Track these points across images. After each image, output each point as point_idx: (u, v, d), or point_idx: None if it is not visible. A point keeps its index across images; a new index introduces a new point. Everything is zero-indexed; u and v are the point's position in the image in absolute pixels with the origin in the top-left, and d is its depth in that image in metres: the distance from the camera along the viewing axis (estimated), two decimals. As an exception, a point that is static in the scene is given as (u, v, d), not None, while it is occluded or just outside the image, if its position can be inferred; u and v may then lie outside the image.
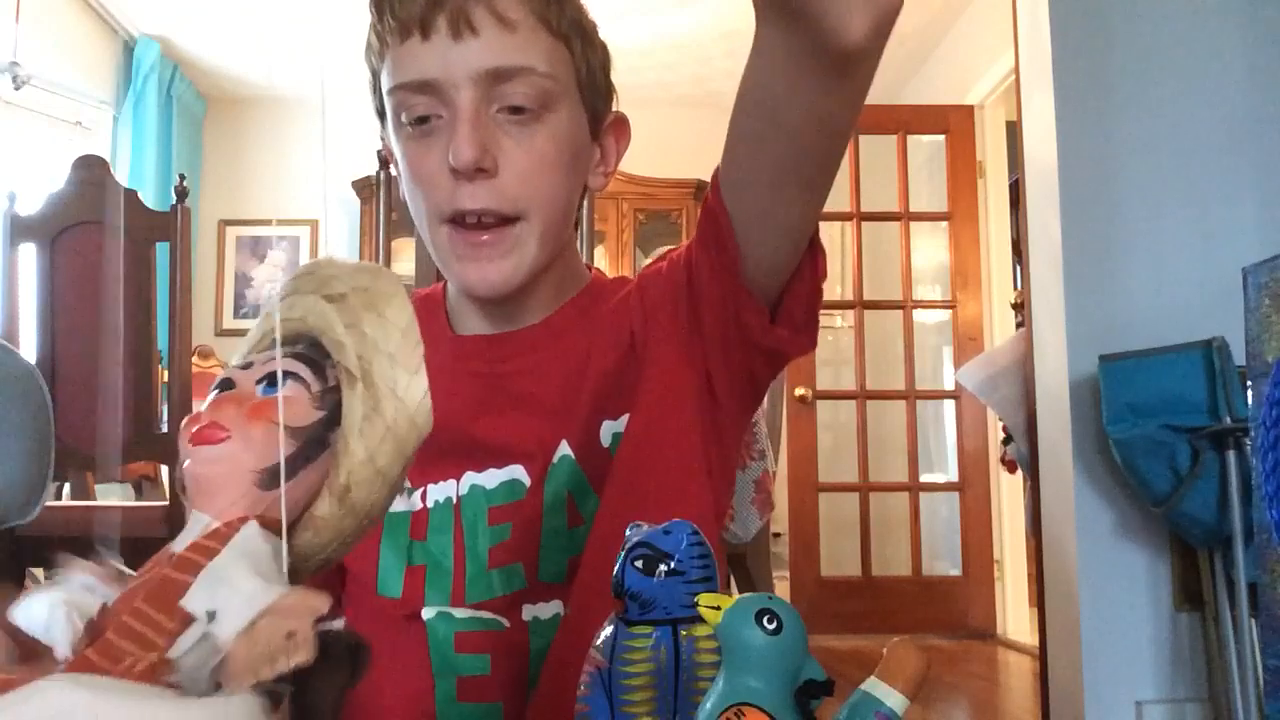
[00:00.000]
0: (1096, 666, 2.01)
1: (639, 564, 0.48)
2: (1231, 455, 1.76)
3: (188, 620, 0.36)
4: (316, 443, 0.40)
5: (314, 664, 0.34)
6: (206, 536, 0.38)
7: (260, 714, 0.34)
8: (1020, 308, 3.46)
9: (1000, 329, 4.01)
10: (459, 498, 0.78)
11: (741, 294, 0.75)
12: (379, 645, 0.76)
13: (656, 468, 0.77)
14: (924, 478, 4.18)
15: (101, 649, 0.36)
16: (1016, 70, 2.36)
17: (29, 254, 2.57)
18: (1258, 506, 1.43)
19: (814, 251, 0.75)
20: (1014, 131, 2.41)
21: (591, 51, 0.80)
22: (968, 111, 4.17)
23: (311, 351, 0.42)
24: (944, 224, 4.16)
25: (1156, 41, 2.15)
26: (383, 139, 0.82)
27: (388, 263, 2.74)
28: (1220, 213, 2.10)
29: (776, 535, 3.94)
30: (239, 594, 0.35)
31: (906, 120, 4.25)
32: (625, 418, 0.78)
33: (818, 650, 0.41)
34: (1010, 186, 4.02)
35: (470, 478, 0.78)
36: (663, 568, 0.47)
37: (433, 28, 0.73)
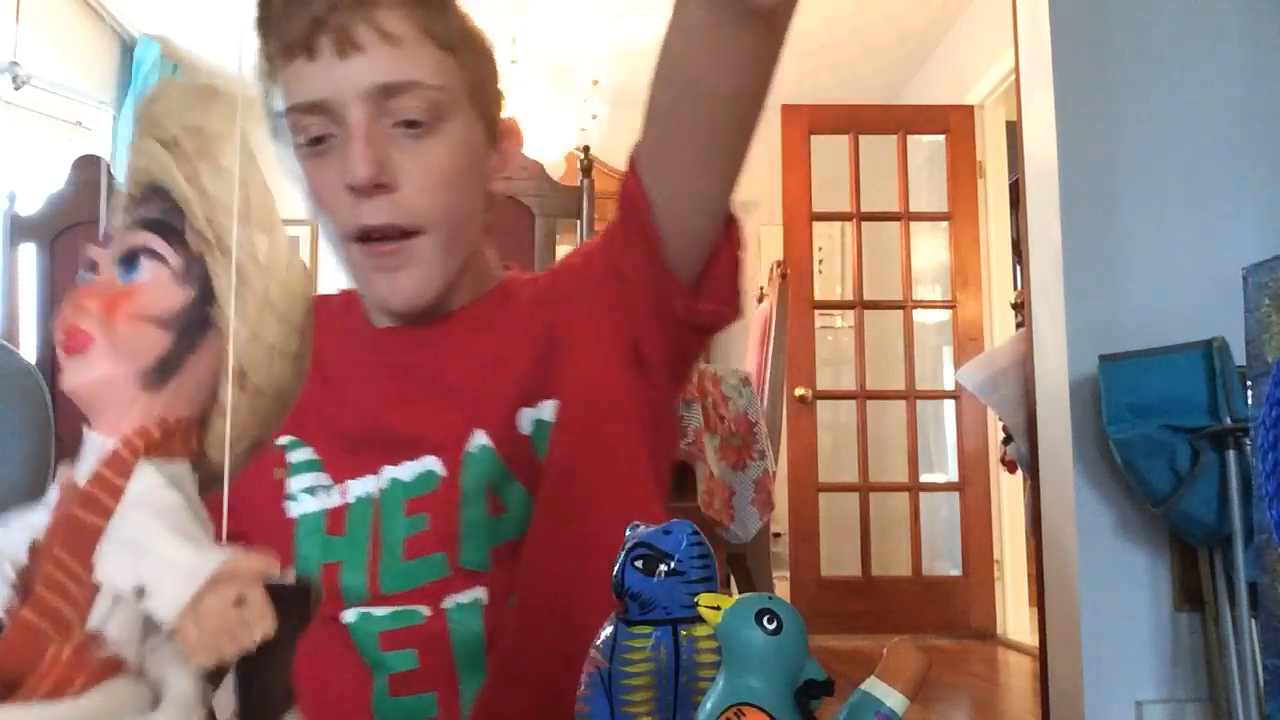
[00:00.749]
0: (1096, 666, 2.01)
1: (639, 564, 0.48)
2: (1231, 455, 1.76)
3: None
4: (197, 325, 0.35)
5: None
6: (106, 465, 0.34)
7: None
8: (1020, 308, 3.46)
9: (1000, 329, 4.01)
10: (380, 492, 0.78)
11: (665, 278, 0.77)
12: (311, 647, 0.76)
13: (593, 452, 0.79)
14: (924, 478, 4.18)
15: (36, 606, 0.33)
16: (1016, 70, 2.36)
17: (29, 254, 2.57)
18: (1258, 506, 1.43)
19: (730, 224, 0.79)
20: (1014, 131, 2.41)
21: (479, 60, 0.80)
22: (968, 111, 4.17)
23: (168, 215, 0.36)
24: (944, 224, 4.16)
25: (1156, 41, 2.15)
26: (280, 161, 0.82)
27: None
28: (1220, 213, 2.10)
29: (776, 535, 3.94)
30: (171, 567, 0.32)
31: (906, 120, 4.25)
32: (547, 404, 0.79)
33: (818, 650, 0.41)
34: (1010, 186, 4.02)
35: (389, 471, 0.78)
36: (662, 568, 0.47)
37: (317, 48, 0.73)
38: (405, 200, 0.75)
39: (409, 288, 0.77)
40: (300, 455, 0.78)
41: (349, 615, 0.76)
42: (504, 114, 0.85)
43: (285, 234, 0.37)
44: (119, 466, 0.34)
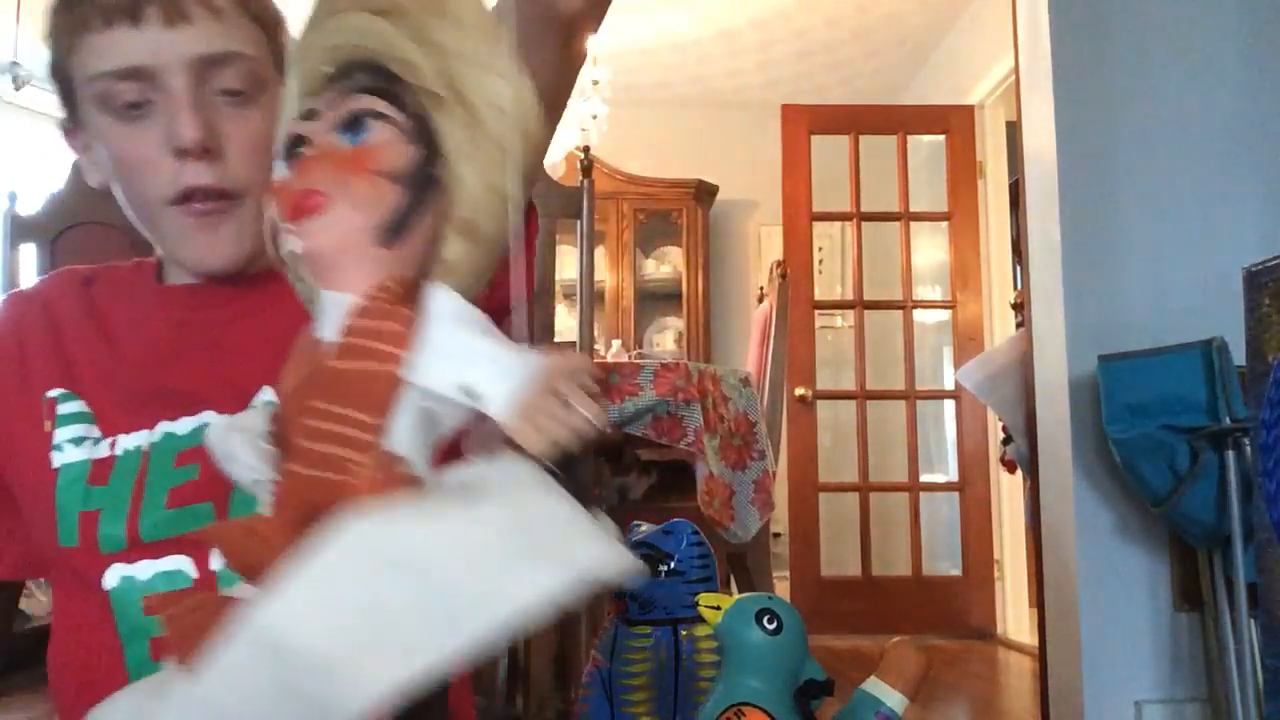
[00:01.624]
0: (1096, 666, 2.01)
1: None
2: (1231, 455, 1.76)
3: (388, 410, 0.33)
4: (424, 182, 0.35)
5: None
6: (361, 315, 0.34)
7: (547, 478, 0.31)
8: (1020, 308, 3.45)
9: (1000, 329, 4.01)
10: (150, 445, 0.77)
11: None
12: (71, 608, 0.76)
13: None
14: (924, 478, 4.18)
15: (304, 459, 0.33)
16: (1016, 70, 2.36)
17: (29, 254, 2.57)
18: (1257, 506, 1.43)
19: (530, 212, 0.83)
20: (1014, 131, 2.41)
21: (286, 36, 0.83)
22: (968, 111, 4.17)
23: (380, 80, 0.36)
24: (944, 224, 4.17)
25: (1156, 42, 2.15)
26: (64, 126, 0.83)
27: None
28: (1220, 213, 2.10)
29: (776, 535, 3.94)
30: (498, 365, 0.32)
31: (906, 120, 4.25)
32: None
33: (818, 650, 0.41)
34: (1010, 186, 4.02)
35: (164, 426, 0.78)
36: (662, 568, 0.47)
37: (143, 15, 0.74)
38: (228, 165, 0.77)
39: (227, 248, 0.79)
40: (70, 407, 0.78)
41: (110, 578, 0.74)
42: None
43: (527, 80, 0.37)
44: (377, 312, 0.34)
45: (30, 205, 2.59)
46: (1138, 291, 2.08)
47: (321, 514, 0.31)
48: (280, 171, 0.36)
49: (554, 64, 0.72)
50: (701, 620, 0.44)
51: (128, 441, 0.78)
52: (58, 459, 0.77)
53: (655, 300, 5.09)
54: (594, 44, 3.96)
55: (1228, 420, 1.77)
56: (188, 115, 0.74)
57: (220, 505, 0.76)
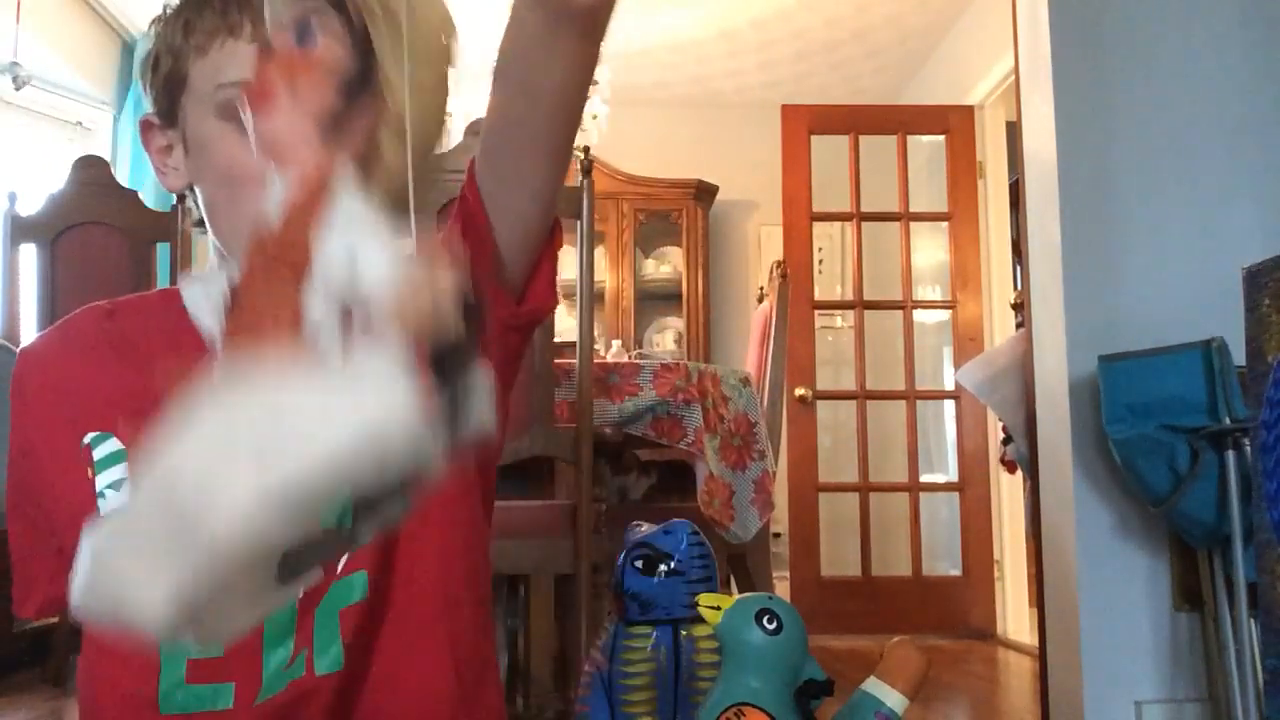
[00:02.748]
0: (1096, 666, 2.01)
1: (639, 564, 0.47)
2: (1231, 455, 1.76)
3: (309, 249, 0.37)
4: (359, 84, 0.41)
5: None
6: (293, 200, 0.39)
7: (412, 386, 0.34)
8: (1020, 308, 3.46)
9: (1000, 329, 4.01)
10: None
11: (499, 295, 0.85)
12: (97, 643, 0.75)
13: None
14: (924, 478, 4.18)
15: (253, 302, 0.38)
16: (1016, 70, 2.36)
17: (29, 254, 2.57)
18: (1257, 506, 1.43)
19: (554, 226, 0.88)
20: (1014, 131, 2.41)
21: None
22: (968, 111, 4.17)
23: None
24: (944, 224, 4.17)
25: (1156, 41, 2.15)
26: (147, 121, 0.83)
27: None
28: (1220, 213, 2.10)
29: (776, 535, 3.94)
30: (379, 241, 0.37)
31: (906, 120, 4.25)
32: None
33: (818, 650, 0.41)
34: (1010, 186, 4.02)
35: None
36: (662, 568, 0.47)
37: (246, 30, 0.75)
38: None
39: None
40: (106, 449, 0.78)
41: None
42: None
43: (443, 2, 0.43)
44: (309, 187, 0.39)
45: (30, 205, 2.59)
46: (1138, 291, 2.08)
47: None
48: (249, 71, 0.42)
49: (569, 61, 0.72)
50: (701, 620, 0.44)
51: None
52: (103, 507, 0.76)
53: (655, 300, 5.09)
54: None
55: (1228, 420, 1.77)
56: None
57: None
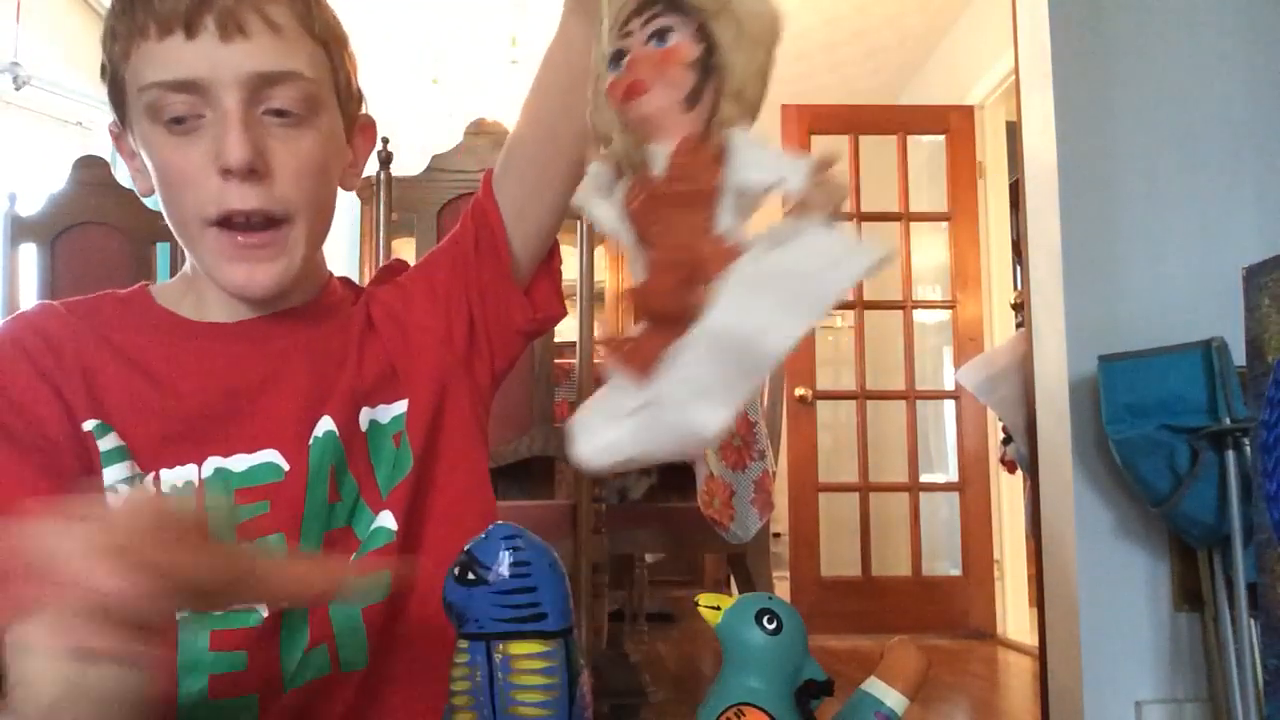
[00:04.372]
0: (1096, 666, 2.01)
1: (455, 572, 0.45)
2: (1231, 455, 1.76)
3: (712, 209, 0.49)
4: (706, 68, 0.51)
5: None
6: (679, 154, 0.50)
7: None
8: (1020, 308, 3.46)
9: (1000, 329, 4.01)
10: (201, 480, 0.76)
11: (513, 294, 0.88)
12: None
13: (433, 459, 0.83)
14: (924, 478, 4.18)
15: (660, 250, 0.50)
16: (1016, 70, 2.36)
17: (29, 254, 2.57)
18: (1257, 506, 1.43)
19: (553, 250, 0.92)
20: (1014, 131, 2.41)
21: (346, 57, 0.83)
22: (968, 111, 4.17)
23: (671, 5, 0.52)
24: (944, 224, 4.16)
25: (1156, 41, 2.15)
26: (112, 130, 0.83)
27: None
28: (1220, 212, 2.10)
29: (776, 535, 3.94)
30: (783, 162, 0.51)
31: (906, 120, 4.25)
32: (385, 408, 0.83)
33: (818, 650, 0.41)
34: (1010, 186, 4.02)
35: (214, 461, 0.77)
36: (471, 576, 0.44)
37: (200, 27, 0.72)
38: (275, 188, 0.75)
39: (266, 276, 0.77)
40: (108, 443, 0.76)
41: (180, 613, 0.73)
42: (364, 111, 0.89)
43: (773, 4, 0.53)
44: (689, 151, 0.50)
45: (30, 205, 2.59)
46: (1138, 291, 2.08)
47: (686, 286, 0.48)
48: (609, 75, 0.53)
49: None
50: (520, 637, 0.42)
51: (172, 477, 0.76)
52: (114, 502, 0.74)
53: (655, 300, 5.08)
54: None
55: (1228, 420, 1.77)
56: (237, 134, 0.72)
57: (292, 537, 0.76)
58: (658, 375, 0.47)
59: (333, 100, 0.80)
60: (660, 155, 0.51)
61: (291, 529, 0.76)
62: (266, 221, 0.76)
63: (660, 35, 0.52)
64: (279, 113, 0.75)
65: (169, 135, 0.75)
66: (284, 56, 0.75)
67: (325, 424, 0.79)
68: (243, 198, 0.74)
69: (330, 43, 0.80)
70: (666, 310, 0.49)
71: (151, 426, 0.77)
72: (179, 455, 0.76)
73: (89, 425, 0.75)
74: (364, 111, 0.88)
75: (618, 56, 0.53)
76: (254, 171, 0.73)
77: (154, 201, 0.82)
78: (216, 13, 0.72)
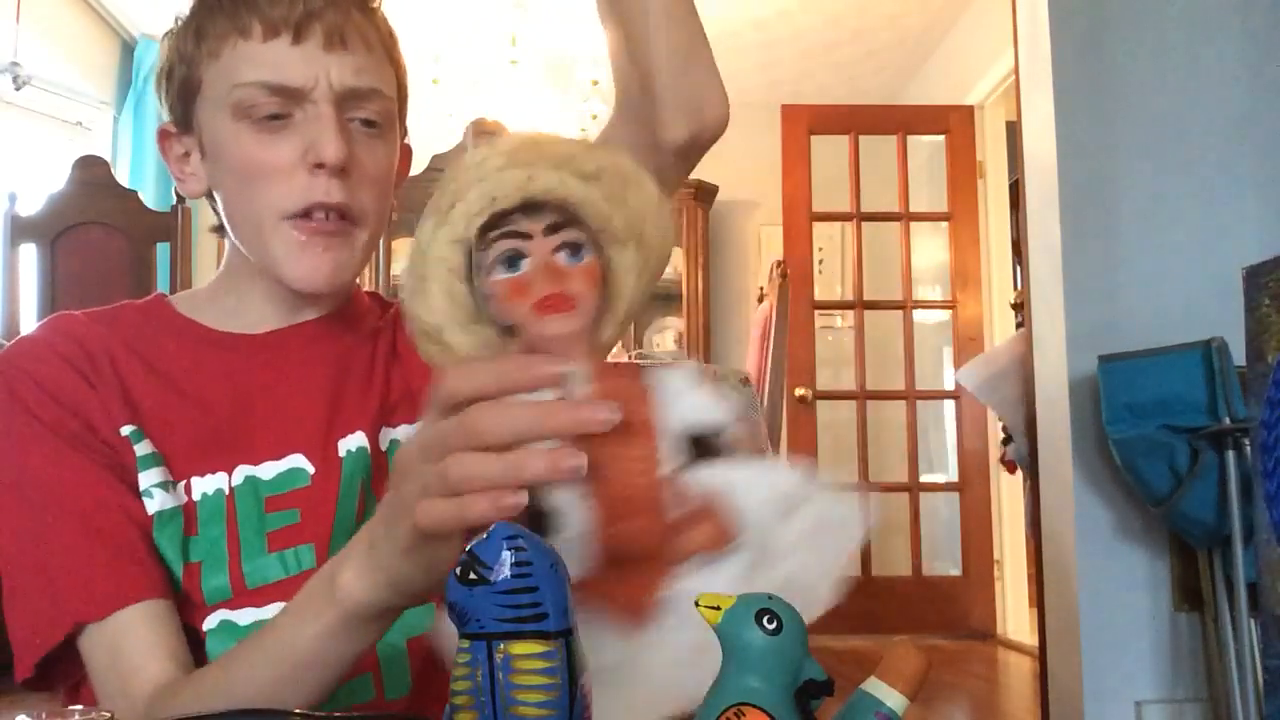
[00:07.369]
0: (1096, 667, 2.01)
1: (457, 571, 0.45)
2: (1231, 455, 1.76)
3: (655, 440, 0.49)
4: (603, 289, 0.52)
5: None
6: (601, 380, 0.49)
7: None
8: (1020, 308, 3.46)
9: (1000, 329, 4.01)
10: (231, 489, 0.77)
11: None
12: None
13: None
14: (924, 478, 4.18)
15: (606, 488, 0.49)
16: (1016, 70, 2.36)
17: (29, 254, 2.57)
18: (1257, 506, 1.44)
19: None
20: (1014, 131, 2.41)
21: (405, 85, 0.87)
22: (968, 111, 4.17)
23: (572, 219, 0.52)
24: (944, 224, 4.17)
25: (1156, 42, 2.15)
26: (166, 130, 0.84)
27: (388, 263, 2.74)
28: (1220, 213, 2.10)
29: (776, 535, 3.94)
30: (718, 408, 0.50)
31: (906, 120, 4.26)
32: (405, 428, 0.83)
33: (818, 650, 0.41)
34: (1010, 186, 4.02)
35: (244, 470, 0.78)
36: (472, 575, 0.44)
37: (307, 33, 0.76)
38: (355, 189, 0.78)
39: (332, 269, 0.79)
40: (143, 449, 0.77)
41: (210, 621, 0.74)
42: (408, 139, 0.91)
43: (665, 221, 0.55)
44: (613, 379, 0.50)
45: (30, 205, 2.59)
46: (1138, 291, 2.08)
47: (661, 526, 0.49)
48: (499, 273, 0.51)
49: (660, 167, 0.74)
50: (521, 637, 0.42)
51: (204, 485, 0.77)
52: (150, 506, 0.75)
53: (655, 300, 5.09)
54: (595, 43, 3.96)
55: (1228, 420, 1.77)
56: (333, 133, 0.75)
57: (322, 546, 0.76)
58: (657, 622, 0.48)
59: (396, 122, 0.84)
60: (577, 381, 0.50)
61: (322, 540, 0.77)
62: (343, 216, 0.79)
63: (573, 250, 0.51)
64: (366, 122, 0.79)
65: (257, 133, 0.77)
66: (374, 73, 0.79)
67: (359, 439, 0.80)
68: (328, 191, 0.77)
69: (399, 68, 0.85)
70: (648, 550, 0.49)
71: (180, 434, 0.78)
72: (208, 463, 0.78)
73: (126, 430, 0.77)
74: (406, 140, 0.90)
75: (515, 255, 0.51)
76: (344, 170, 0.77)
77: (161, 200, 0.82)
78: (325, 23, 0.76)
